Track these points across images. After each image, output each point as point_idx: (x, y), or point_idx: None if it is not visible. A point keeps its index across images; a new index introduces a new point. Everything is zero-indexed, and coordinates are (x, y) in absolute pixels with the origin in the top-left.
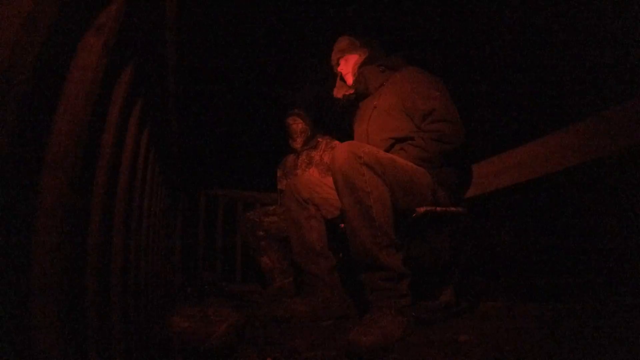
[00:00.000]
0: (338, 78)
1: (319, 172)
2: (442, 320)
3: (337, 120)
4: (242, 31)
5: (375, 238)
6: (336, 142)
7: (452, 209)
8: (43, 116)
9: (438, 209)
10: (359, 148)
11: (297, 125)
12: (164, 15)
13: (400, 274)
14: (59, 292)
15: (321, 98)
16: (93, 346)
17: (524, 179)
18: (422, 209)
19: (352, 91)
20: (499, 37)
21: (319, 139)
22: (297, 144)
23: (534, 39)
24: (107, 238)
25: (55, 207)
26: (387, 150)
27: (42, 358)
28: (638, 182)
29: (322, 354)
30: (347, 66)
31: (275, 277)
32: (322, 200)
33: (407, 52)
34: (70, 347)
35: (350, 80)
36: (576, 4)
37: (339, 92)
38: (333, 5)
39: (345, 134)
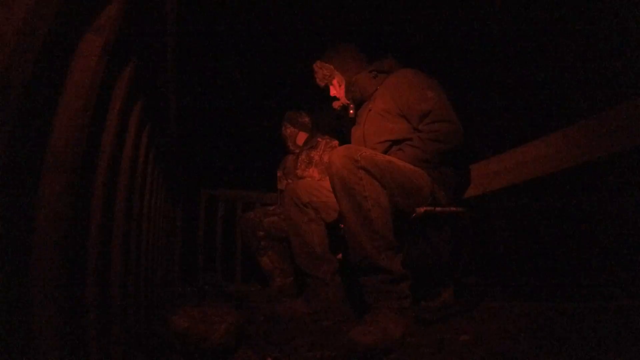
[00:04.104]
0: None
1: (319, 171)
2: (442, 320)
3: (343, 125)
4: (242, 30)
5: (374, 241)
6: (336, 141)
7: (452, 208)
8: (43, 116)
9: (437, 209)
10: (356, 152)
11: (286, 130)
12: (164, 15)
13: (400, 275)
14: (59, 292)
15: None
16: (93, 346)
17: (524, 179)
18: (421, 209)
19: (347, 102)
20: (499, 37)
21: (319, 139)
22: (290, 147)
23: (534, 40)
24: (107, 238)
25: (55, 207)
26: (384, 152)
27: (42, 358)
28: (638, 182)
29: (322, 354)
30: (336, 90)
31: (275, 277)
32: (321, 204)
33: (400, 53)
34: (70, 347)
35: (344, 98)
36: (576, 4)
37: (337, 104)
38: (332, 7)
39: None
